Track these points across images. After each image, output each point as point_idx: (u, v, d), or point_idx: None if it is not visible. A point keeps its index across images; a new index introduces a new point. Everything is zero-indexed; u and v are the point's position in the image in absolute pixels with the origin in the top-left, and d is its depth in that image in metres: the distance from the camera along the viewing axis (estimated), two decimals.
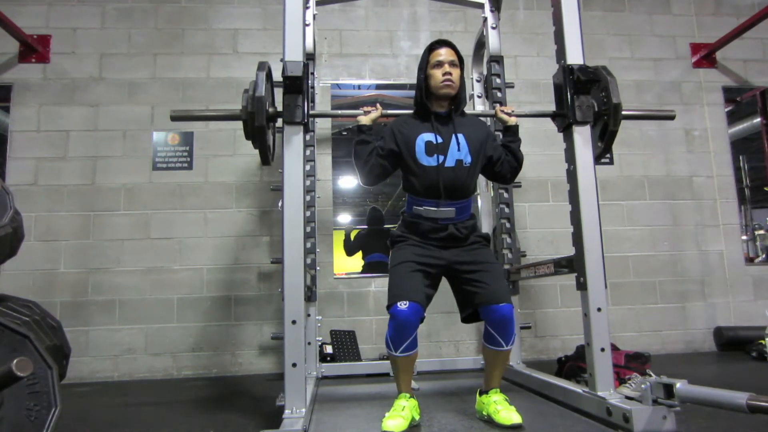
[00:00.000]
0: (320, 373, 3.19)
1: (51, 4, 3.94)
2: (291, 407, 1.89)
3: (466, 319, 2.06)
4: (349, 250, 4.53)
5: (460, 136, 2.05)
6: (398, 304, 1.86)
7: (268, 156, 2.15)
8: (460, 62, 2.10)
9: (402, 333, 1.88)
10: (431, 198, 2.01)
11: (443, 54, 2.06)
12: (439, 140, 2.03)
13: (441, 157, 2.01)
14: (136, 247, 3.73)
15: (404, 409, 1.90)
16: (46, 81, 3.86)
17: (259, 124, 2.00)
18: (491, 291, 1.92)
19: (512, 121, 2.20)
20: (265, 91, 2.01)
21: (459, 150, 2.03)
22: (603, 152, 2.26)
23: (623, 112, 2.15)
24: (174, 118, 2.22)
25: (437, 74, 2.05)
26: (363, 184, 2.18)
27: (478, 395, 2.07)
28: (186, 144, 3.89)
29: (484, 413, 1.99)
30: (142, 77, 3.93)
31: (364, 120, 2.13)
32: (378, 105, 2.20)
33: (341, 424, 2.04)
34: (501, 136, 2.27)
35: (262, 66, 2.06)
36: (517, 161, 2.16)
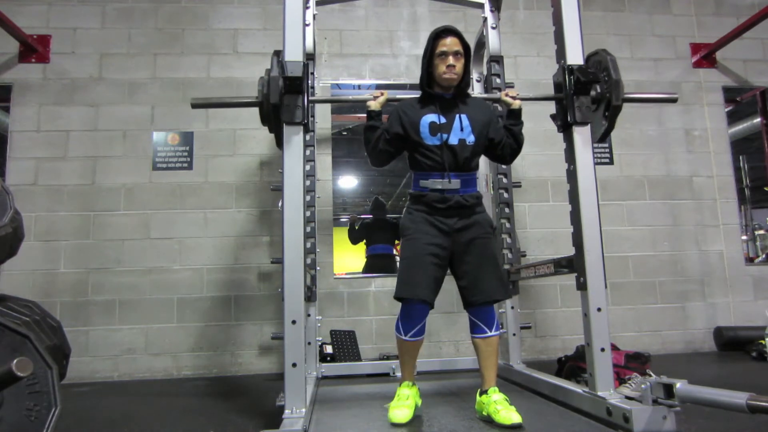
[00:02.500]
0: (320, 373, 3.19)
1: (51, 4, 3.94)
2: (291, 407, 1.89)
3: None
4: (354, 238, 4.52)
5: (464, 116, 2.11)
6: (411, 300, 2.00)
7: (281, 138, 2.16)
8: (465, 50, 2.10)
9: (412, 321, 2.04)
10: (437, 171, 2.07)
11: (448, 44, 2.06)
12: (443, 120, 2.09)
13: (444, 136, 2.08)
14: (136, 247, 3.73)
15: (408, 398, 2.01)
16: (46, 81, 3.86)
17: (273, 102, 2.01)
18: (475, 292, 2.04)
19: (516, 104, 2.22)
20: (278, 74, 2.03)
21: (462, 130, 2.09)
22: (608, 130, 2.24)
23: (626, 95, 2.16)
24: (195, 106, 2.27)
25: (441, 65, 2.07)
26: (372, 166, 2.29)
27: (478, 395, 2.08)
28: (186, 144, 3.89)
29: (484, 413, 1.99)
30: (142, 77, 3.93)
31: (373, 105, 2.20)
32: (384, 91, 2.26)
33: (341, 424, 2.04)
34: (504, 119, 2.29)
35: (278, 53, 2.10)
36: (518, 144, 2.21)
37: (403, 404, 1.98)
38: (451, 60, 2.05)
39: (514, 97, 2.24)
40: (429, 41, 2.11)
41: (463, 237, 2.06)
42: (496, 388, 2.01)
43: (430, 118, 2.10)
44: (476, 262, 2.05)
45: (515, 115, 2.21)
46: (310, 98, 2.24)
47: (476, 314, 2.06)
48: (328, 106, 4.05)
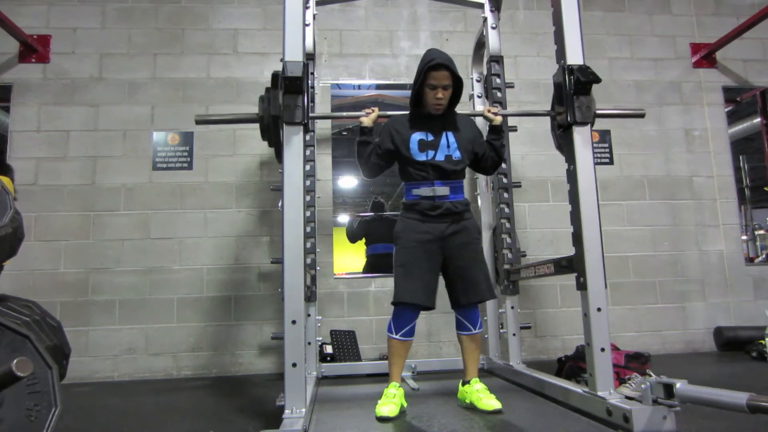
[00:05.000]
0: (320, 373, 3.19)
1: (51, 4, 3.94)
2: (291, 407, 1.89)
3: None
4: (353, 236, 4.46)
5: (450, 134, 2.27)
6: (405, 303, 2.14)
7: (282, 153, 2.19)
8: (456, 80, 2.21)
9: (403, 322, 2.17)
10: (427, 181, 2.22)
11: (438, 78, 2.17)
12: (431, 138, 2.25)
13: (432, 152, 2.23)
14: (136, 247, 3.72)
15: (395, 397, 2.11)
16: (46, 81, 3.85)
17: (273, 122, 2.07)
18: (465, 294, 2.20)
19: (497, 120, 2.37)
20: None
21: (448, 147, 2.25)
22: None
23: (597, 111, 2.20)
24: (198, 122, 2.33)
25: (430, 95, 2.20)
26: (364, 177, 2.42)
27: (460, 385, 2.28)
28: (186, 144, 3.89)
29: (467, 401, 2.20)
30: (142, 77, 3.93)
31: (366, 121, 2.30)
32: (375, 108, 2.37)
33: (341, 424, 2.04)
34: (487, 134, 2.42)
35: (277, 74, 2.14)
36: (499, 157, 2.38)
37: (390, 401, 2.08)
38: (439, 93, 2.18)
39: (495, 114, 2.38)
40: (422, 69, 2.19)
41: (454, 242, 2.19)
42: (478, 379, 2.22)
43: (418, 135, 2.24)
44: (466, 266, 2.20)
45: (496, 130, 2.36)
46: (310, 115, 2.31)
47: (463, 314, 2.24)
48: (329, 104, 4.04)
